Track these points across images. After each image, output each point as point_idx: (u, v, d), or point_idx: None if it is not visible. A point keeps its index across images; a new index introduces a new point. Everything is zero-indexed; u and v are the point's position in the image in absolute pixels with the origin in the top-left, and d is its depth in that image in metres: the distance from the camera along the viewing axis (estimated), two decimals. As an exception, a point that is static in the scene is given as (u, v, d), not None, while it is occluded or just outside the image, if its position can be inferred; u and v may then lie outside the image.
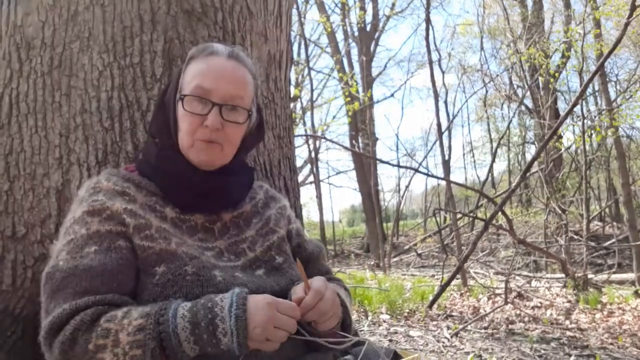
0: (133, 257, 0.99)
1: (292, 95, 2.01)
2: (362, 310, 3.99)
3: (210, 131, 1.04)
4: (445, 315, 3.96)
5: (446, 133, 13.09)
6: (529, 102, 12.19)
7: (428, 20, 7.39)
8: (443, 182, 12.88)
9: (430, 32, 7.59)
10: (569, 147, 9.31)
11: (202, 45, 1.12)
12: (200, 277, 0.98)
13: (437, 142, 7.42)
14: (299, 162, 15.08)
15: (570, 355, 2.88)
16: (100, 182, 1.08)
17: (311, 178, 14.39)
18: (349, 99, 10.23)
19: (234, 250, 1.09)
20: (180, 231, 1.06)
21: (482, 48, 12.84)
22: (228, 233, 1.12)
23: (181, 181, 1.08)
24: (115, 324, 0.87)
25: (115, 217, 1.01)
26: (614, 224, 11.55)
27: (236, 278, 1.02)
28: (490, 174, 14.15)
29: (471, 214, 7.78)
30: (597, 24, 7.83)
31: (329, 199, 24.01)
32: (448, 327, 3.51)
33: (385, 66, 18.97)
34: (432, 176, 18.87)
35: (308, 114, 12.96)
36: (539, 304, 4.41)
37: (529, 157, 14.62)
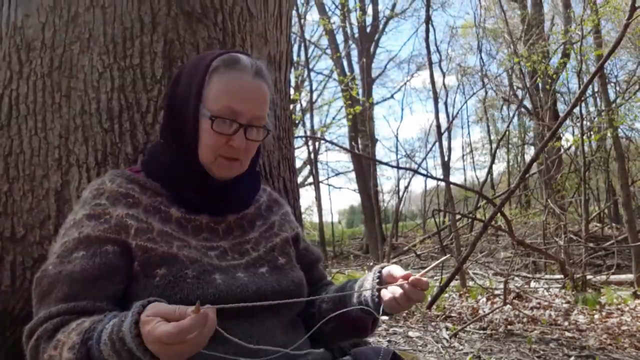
0: (121, 261, 0.98)
1: (291, 97, 2.01)
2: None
3: (236, 151, 1.07)
4: (444, 316, 3.97)
5: (446, 134, 13.11)
6: (528, 103, 12.19)
7: (428, 21, 7.39)
8: (442, 183, 12.90)
9: (431, 33, 7.56)
10: (568, 149, 9.32)
11: (227, 56, 1.09)
12: (200, 280, 0.98)
13: (437, 143, 7.42)
14: (298, 164, 15.07)
15: (569, 356, 2.88)
16: (104, 183, 1.08)
17: (311, 179, 14.38)
18: (349, 102, 10.22)
19: (238, 250, 1.10)
20: (185, 231, 1.06)
21: (480, 50, 12.84)
22: (232, 234, 1.13)
23: (194, 187, 1.09)
24: (64, 336, 0.86)
25: (114, 221, 1.00)
26: (613, 225, 11.55)
27: (237, 279, 1.03)
28: (489, 175, 14.14)
29: (470, 215, 7.79)
30: (596, 26, 7.83)
31: (328, 200, 24.05)
32: (447, 328, 3.51)
33: (385, 67, 18.96)
34: (432, 177, 18.87)
35: (308, 115, 12.99)
36: (537, 305, 4.41)
37: (528, 158, 14.60)
